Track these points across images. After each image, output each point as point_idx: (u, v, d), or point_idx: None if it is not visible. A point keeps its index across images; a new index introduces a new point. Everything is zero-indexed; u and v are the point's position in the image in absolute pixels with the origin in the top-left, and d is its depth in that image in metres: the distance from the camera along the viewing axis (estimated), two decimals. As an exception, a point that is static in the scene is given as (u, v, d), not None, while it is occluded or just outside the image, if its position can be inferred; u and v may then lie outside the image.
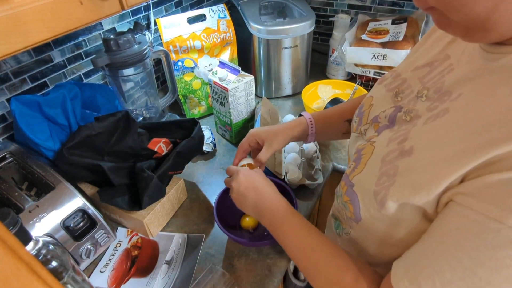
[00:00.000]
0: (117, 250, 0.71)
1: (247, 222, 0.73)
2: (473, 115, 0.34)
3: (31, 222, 0.58)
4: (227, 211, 0.72)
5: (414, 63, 0.49)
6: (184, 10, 1.16)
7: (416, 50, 0.52)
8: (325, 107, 1.03)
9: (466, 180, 0.32)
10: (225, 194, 0.73)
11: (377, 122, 0.49)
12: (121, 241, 0.73)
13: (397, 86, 0.49)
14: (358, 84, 1.05)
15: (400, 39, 1.03)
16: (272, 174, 0.80)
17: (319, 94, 1.12)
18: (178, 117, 1.05)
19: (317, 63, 1.33)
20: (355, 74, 1.15)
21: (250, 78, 0.90)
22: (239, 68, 0.89)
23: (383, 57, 1.03)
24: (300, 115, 0.73)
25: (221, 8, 1.06)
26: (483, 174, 0.30)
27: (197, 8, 1.18)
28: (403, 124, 0.43)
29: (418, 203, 0.36)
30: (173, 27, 0.97)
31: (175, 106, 1.12)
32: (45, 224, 0.59)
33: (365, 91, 1.04)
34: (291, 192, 0.71)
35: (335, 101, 1.04)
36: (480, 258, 0.30)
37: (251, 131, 0.70)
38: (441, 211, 0.35)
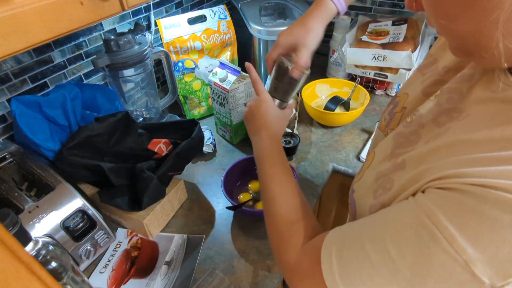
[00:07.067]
0: (116, 251, 0.71)
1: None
2: (464, 137, 0.33)
3: (31, 222, 0.58)
4: (233, 189, 0.81)
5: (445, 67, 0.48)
6: (184, 11, 1.16)
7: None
8: (325, 106, 1.03)
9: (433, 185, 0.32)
10: (232, 171, 0.81)
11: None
12: (121, 242, 0.73)
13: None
14: (357, 82, 1.05)
15: (400, 40, 1.03)
16: None
17: (317, 93, 1.12)
18: (178, 118, 1.05)
19: (317, 64, 1.33)
20: (355, 75, 1.15)
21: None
22: (239, 69, 0.89)
23: (383, 58, 1.03)
24: None
25: (221, 9, 1.06)
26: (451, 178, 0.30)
27: (198, 9, 1.18)
28: (408, 127, 0.42)
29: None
30: (173, 28, 0.98)
31: (175, 107, 1.12)
32: (45, 225, 0.59)
33: (365, 90, 1.04)
34: (293, 169, 0.75)
35: (335, 99, 1.04)
36: (403, 248, 0.31)
37: (280, 40, 0.65)
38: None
